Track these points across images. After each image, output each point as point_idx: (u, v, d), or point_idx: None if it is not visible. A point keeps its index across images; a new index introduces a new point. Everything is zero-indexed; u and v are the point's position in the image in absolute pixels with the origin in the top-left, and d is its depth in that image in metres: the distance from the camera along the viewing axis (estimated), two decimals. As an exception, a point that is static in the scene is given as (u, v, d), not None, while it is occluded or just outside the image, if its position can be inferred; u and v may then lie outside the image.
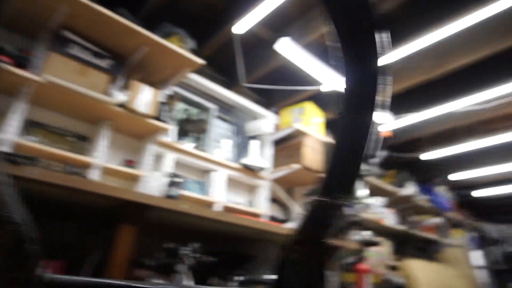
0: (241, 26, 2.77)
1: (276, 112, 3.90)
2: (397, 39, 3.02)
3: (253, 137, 3.55)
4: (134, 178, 2.66)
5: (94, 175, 2.34)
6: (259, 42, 3.35)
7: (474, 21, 2.65)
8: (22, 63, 2.10)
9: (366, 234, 3.95)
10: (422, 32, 2.88)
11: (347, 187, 0.37)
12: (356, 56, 0.35)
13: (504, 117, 4.31)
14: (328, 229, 0.38)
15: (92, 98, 2.27)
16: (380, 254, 4.10)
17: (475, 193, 6.40)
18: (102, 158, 2.42)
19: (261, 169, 3.37)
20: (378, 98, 0.36)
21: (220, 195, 3.09)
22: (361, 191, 3.73)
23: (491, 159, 5.24)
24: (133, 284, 0.48)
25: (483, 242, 6.26)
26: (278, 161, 3.60)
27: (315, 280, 0.38)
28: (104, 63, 2.35)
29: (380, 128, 4.25)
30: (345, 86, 0.36)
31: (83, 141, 2.52)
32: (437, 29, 2.78)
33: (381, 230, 4.58)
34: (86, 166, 2.40)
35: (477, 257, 5.66)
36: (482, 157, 5.26)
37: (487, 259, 5.60)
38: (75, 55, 2.22)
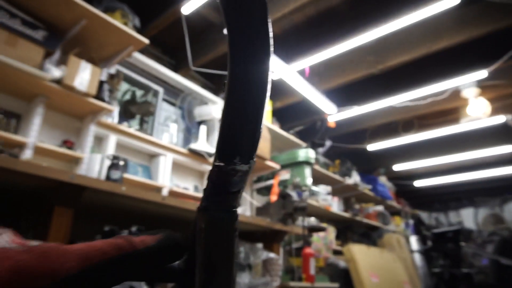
0: (189, 6, 2.71)
1: (225, 98, 3.88)
2: (342, 33, 3.14)
3: (202, 122, 3.51)
4: (73, 160, 2.52)
5: (26, 155, 2.18)
6: (209, 26, 3.31)
7: (409, 22, 2.85)
8: None
9: (312, 220, 4.11)
10: (365, 28, 3.02)
11: (244, 149, 0.32)
12: None
13: (437, 113, 4.68)
14: (230, 196, 0.35)
15: (23, 72, 2.10)
16: (325, 239, 4.28)
17: (416, 183, 6.88)
18: (35, 137, 2.26)
19: (210, 154, 3.35)
20: (269, 44, 0.30)
21: (166, 179, 3.03)
22: (308, 179, 3.86)
23: (427, 152, 5.67)
24: None
25: (418, 228, 6.77)
26: (227, 147, 3.60)
27: (222, 248, 0.35)
28: (37, 34, 2.18)
29: (327, 118, 4.41)
30: (230, 29, 0.30)
31: (13, 119, 2.33)
32: (379, 26, 2.93)
33: (326, 216, 4.78)
34: (17, 145, 2.23)
35: (413, 242, 6.12)
36: (420, 150, 5.67)
37: (421, 244, 6.07)
38: (2, 23, 2.03)
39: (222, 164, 0.32)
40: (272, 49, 0.31)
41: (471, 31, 3.03)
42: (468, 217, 7.56)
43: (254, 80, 0.31)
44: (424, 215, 7.90)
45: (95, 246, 0.25)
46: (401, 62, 3.42)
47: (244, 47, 0.30)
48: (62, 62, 2.41)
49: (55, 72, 2.26)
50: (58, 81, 2.28)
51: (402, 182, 6.77)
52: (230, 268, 0.36)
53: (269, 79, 0.31)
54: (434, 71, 3.77)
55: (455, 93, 3.94)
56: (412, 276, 5.16)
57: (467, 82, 3.74)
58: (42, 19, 2.28)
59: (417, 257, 5.88)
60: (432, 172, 6.38)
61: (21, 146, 2.22)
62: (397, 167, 6.23)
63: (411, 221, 6.90)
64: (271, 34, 0.30)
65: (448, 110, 4.55)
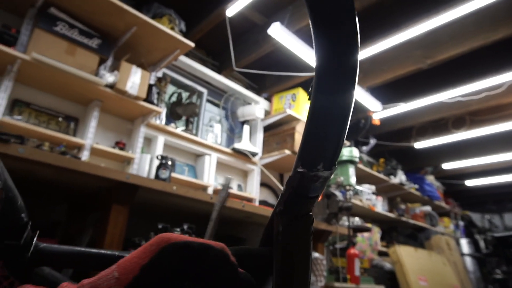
0: (232, 9, 2.74)
1: (267, 98, 3.89)
2: (388, 28, 3.03)
3: (245, 122, 3.55)
4: (125, 160, 2.65)
5: (84, 156, 2.33)
6: (251, 27, 3.32)
7: (463, 13, 2.68)
8: (8, 41, 2.06)
9: (356, 220, 4.01)
10: (412, 21, 2.88)
11: (328, 157, 0.32)
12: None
13: (492, 108, 4.37)
14: (309, 201, 0.35)
15: (81, 79, 2.24)
16: (370, 240, 4.17)
17: (468, 183, 6.48)
18: (91, 139, 2.40)
19: (253, 154, 3.38)
20: (356, 66, 0.31)
21: (211, 178, 3.10)
22: (352, 178, 3.76)
23: (480, 150, 5.32)
24: (117, 253, 0.47)
25: (469, 230, 6.39)
26: (269, 146, 3.61)
27: (299, 251, 0.36)
28: (93, 42, 2.32)
29: (371, 116, 4.28)
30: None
31: (72, 122, 2.49)
32: (427, 19, 2.79)
33: (370, 216, 4.65)
34: (75, 146, 2.38)
35: (464, 245, 5.79)
36: (471, 148, 5.33)
37: (473, 247, 5.72)
38: (63, 34, 2.18)
39: (304, 170, 0.33)
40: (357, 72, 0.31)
41: (531, 18, 2.80)
42: (527, 219, 7.01)
43: (342, 93, 0.31)
44: (475, 217, 7.43)
45: None
46: (453, 55, 3.23)
47: (332, 73, 0.31)
48: (114, 67, 2.54)
49: (109, 78, 2.39)
50: (111, 86, 2.41)
51: (452, 181, 6.41)
52: (307, 269, 0.37)
53: (356, 88, 0.31)
54: (489, 64, 3.52)
55: (513, 87, 3.66)
56: (463, 281, 4.88)
57: (528, 74, 3.45)
58: (96, 28, 2.41)
59: (468, 261, 5.56)
60: (485, 171, 5.97)
61: (80, 147, 2.37)
62: (447, 166, 5.89)
63: (461, 223, 6.52)
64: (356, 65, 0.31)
65: (505, 105, 4.23)
